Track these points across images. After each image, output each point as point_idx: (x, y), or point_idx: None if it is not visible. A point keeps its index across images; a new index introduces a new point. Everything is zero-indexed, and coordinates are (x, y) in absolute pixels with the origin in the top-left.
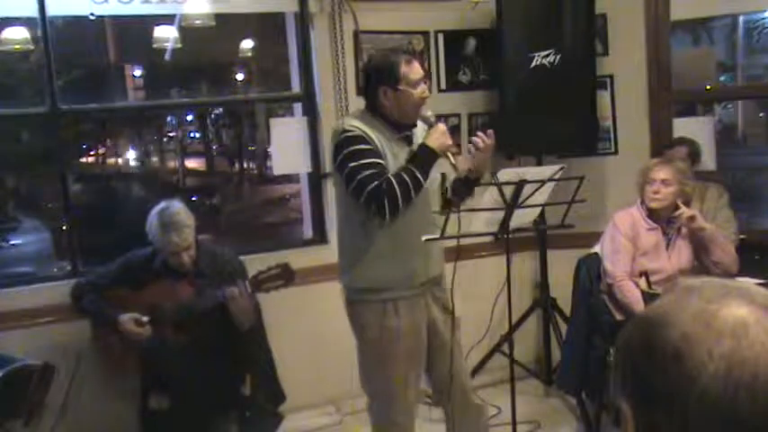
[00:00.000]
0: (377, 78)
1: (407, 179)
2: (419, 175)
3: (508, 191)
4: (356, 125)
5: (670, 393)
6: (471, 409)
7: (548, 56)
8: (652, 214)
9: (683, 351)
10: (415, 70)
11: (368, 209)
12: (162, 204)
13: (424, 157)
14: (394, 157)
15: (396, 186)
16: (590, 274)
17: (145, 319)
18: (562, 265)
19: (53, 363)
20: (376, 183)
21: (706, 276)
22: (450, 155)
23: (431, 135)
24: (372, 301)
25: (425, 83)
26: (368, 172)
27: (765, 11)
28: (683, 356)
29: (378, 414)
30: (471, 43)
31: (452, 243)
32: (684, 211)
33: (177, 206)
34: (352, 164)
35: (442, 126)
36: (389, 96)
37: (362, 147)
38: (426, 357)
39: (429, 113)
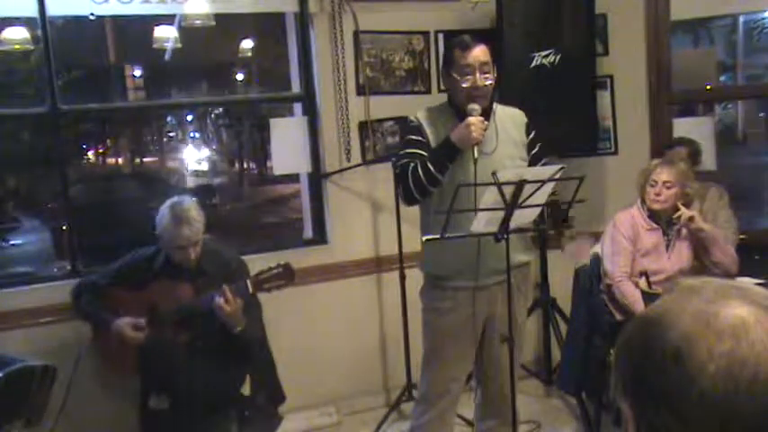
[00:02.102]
0: (442, 63)
1: (420, 171)
2: (432, 168)
3: (508, 191)
4: (419, 116)
5: (670, 393)
6: (502, 411)
7: (548, 56)
8: (653, 215)
9: (684, 351)
10: (467, 57)
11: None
12: (174, 198)
13: (441, 150)
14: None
15: (409, 177)
16: (590, 274)
17: (142, 321)
18: (562, 266)
19: (53, 363)
20: (398, 171)
21: (706, 276)
22: (475, 148)
23: (456, 128)
24: (435, 286)
25: (485, 72)
26: (402, 161)
27: (765, 11)
28: (683, 356)
29: (421, 388)
30: None
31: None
32: (683, 213)
33: (189, 201)
34: (401, 152)
35: (470, 119)
36: (446, 80)
37: (412, 137)
38: (478, 347)
39: (471, 107)
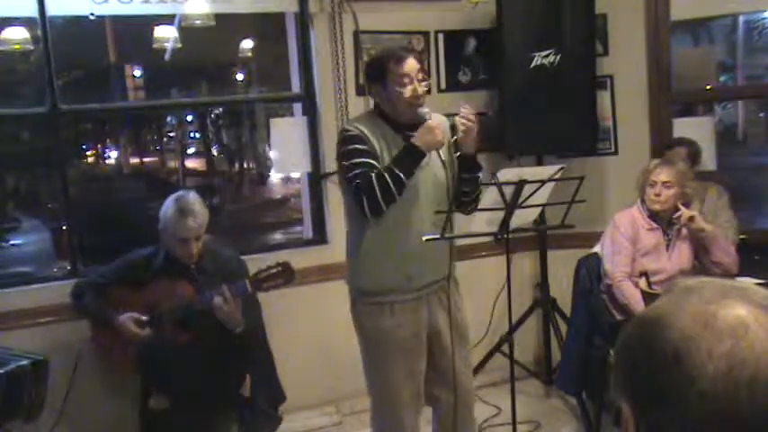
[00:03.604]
0: (369, 76)
1: (388, 178)
2: (400, 174)
3: (508, 191)
4: (356, 125)
5: (670, 393)
6: (468, 422)
7: (548, 56)
8: (653, 215)
9: (683, 351)
10: (404, 67)
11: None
12: (179, 192)
13: (407, 156)
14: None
15: (375, 185)
16: (590, 274)
17: (144, 318)
18: (562, 265)
19: (49, 360)
20: (358, 181)
21: (705, 276)
22: (439, 152)
23: (418, 132)
24: (369, 302)
25: (422, 80)
26: (356, 171)
27: (765, 11)
28: (682, 357)
29: (375, 413)
30: (471, 43)
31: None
32: (684, 212)
33: (194, 195)
34: (345, 162)
35: (430, 123)
36: (381, 94)
37: (356, 146)
38: (427, 361)
39: (424, 110)
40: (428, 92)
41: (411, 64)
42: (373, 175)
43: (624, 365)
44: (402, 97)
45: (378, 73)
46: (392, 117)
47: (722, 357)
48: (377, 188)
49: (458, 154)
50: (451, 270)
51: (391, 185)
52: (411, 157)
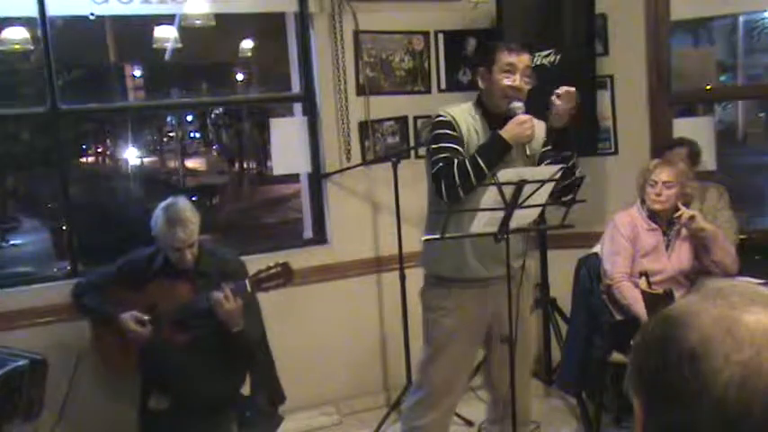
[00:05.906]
0: (478, 60)
1: (469, 166)
2: (482, 164)
3: (508, 191)
4: (449, 111)
5: (681, 395)
6: (523, 413)
7: (548, 56)
8: (653, 215)
9: (700, 353)
10: (513, 58)
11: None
12: (169, 200)
13: (492, 147)
14: None
15: (455, 171)
16: (590, 274)
17: (146, 317)
18: (562, 265)
19: (49, 360)
20: (440, 165)
21: (735, 280)
22: (526, 146)
23: (508, 125)
24: (439, 285)
25: (527, 76)
26: (440, 155)
27: (765, 11)
28: (698, 359)
29: (420, 391)
30: (471, 43)
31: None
32: (684, 212)
33: (183, 202)
34: (433, 146)
35: (522, 117)
36: (484, 78)
37: (445, 131)
38: (487, 349)
39: (515, 105)
40: (528, 93)
41: (522, 58)
42: (456, 161)
43: (639, 360)
44: (501, 84)
45: (487, 58)
46: (488, 107)
47: (739, 365)
48: (456, 174)
49: (545, 149)
50: (521, 261)
51: (471, 173)
52: (496, 148)
